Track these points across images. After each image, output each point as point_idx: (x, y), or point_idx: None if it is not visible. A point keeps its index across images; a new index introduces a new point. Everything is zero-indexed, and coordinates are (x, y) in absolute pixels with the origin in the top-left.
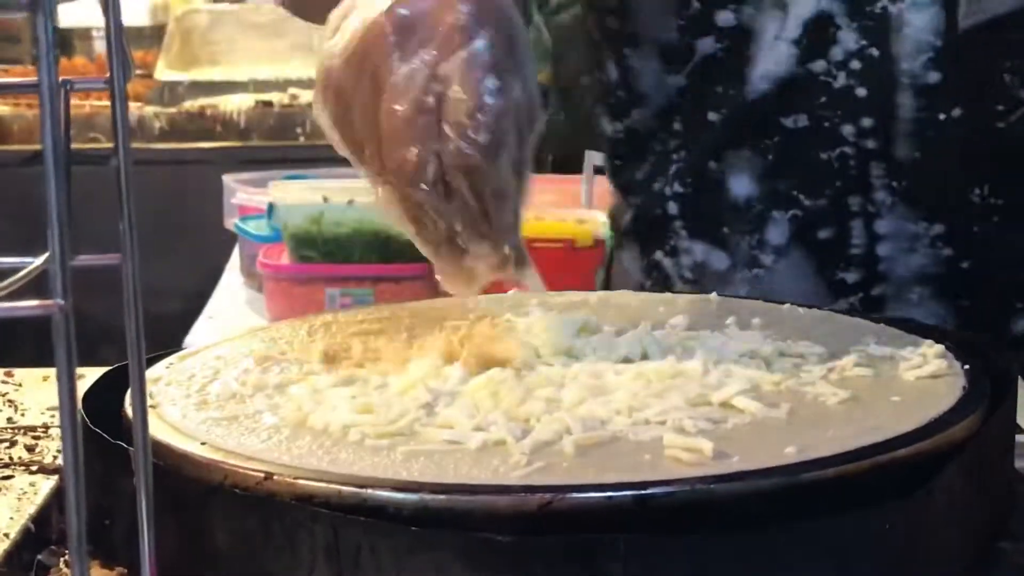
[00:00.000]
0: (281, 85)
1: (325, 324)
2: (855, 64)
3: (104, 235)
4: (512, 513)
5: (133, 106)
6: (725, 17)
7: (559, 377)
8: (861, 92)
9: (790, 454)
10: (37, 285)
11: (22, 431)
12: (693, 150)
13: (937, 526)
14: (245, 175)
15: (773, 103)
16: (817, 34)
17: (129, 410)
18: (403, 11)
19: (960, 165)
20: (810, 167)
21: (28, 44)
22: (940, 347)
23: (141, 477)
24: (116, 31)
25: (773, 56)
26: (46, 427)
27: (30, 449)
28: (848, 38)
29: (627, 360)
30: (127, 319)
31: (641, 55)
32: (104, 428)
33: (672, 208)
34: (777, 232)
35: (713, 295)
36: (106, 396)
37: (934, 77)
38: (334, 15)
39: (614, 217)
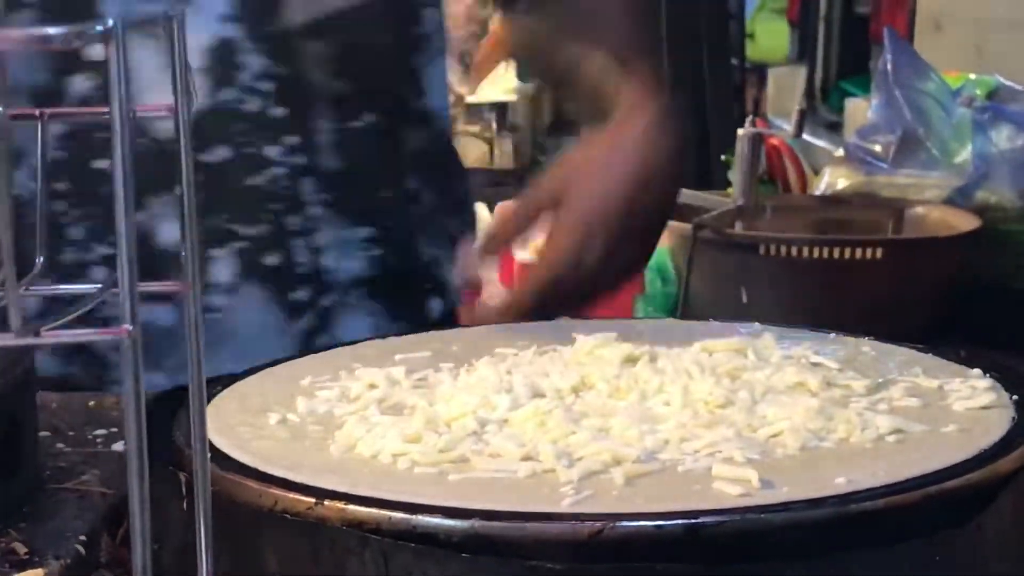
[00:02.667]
0: None
1: (373, 350)
2: (266, 86)
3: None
4: (563, 541)
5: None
6: (96, 50)
7: (606, 407)
8: (278, 112)
9: (840, 484)
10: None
11: (72, 455)
12: (98, 210)
13: (988, 557)
14: None
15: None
16: (222, 62)
17: (179, 435)
18: None
19: (377, 169)
20: (242, 196)
21: None
22: (989, 379)
23: (200, 504)
24: (181, 62)
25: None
26: (95, 452)
27: (79, 474)
28: (254, 62)
29: (674, 389)
30: (189, 347)
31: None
32: (155, 453)
33: (99, 273)
34: (223, 270)
35: (756, 324)
36: (156, 421)
37: (342, 87)
38: None
39: None
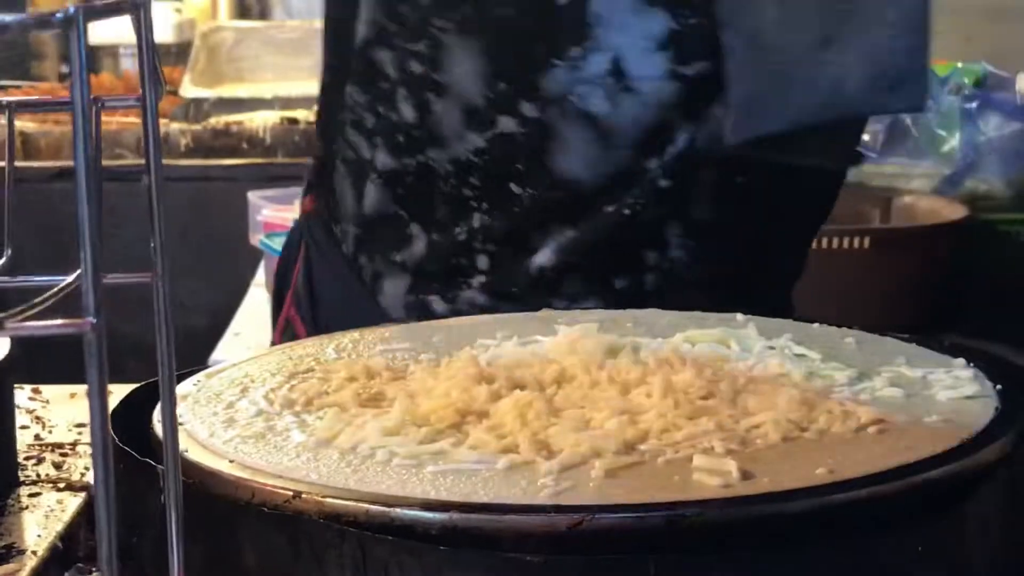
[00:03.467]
0: (306, 102)
1: (352, 341)
2: (671, 161)
3: (129, 250)
4: (541, 533)
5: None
6: (528, 108)
7: (587, 398)
8: (664, 184)
9: (821, 475)
10: (66, 302)
11: (50, 448)
12: (501, 216)
13: (971, 548)
14: (270, 191)
15: (592, 194)
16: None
17: (158, 427)
18: None
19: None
20: (615, 245)
21: (54, 60)
22: (972, 368)
23: (171, 495)
24: (148, 50)
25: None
26: (74, 444)
27: (58, 466)
28: (680, 138)
29: (656, 381)
30: (158, 338)
31: (445, 104)
32: (132, 445)
33: (481, 263)
34: (572, 289)
35: (739, 315)
36: (134, 413)
37: None
38: None
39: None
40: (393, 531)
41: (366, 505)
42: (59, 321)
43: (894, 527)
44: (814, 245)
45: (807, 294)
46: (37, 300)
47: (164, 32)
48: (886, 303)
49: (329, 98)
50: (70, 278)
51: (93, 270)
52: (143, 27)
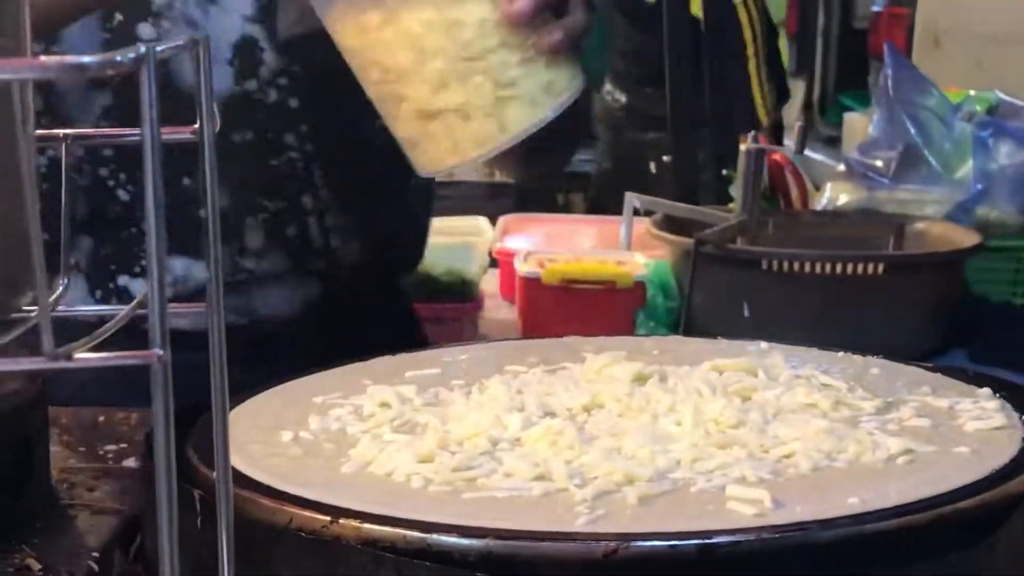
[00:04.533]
0: None
1: (383, 367)
2: (283, 80)
3: None
4: (577, 560)
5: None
6: (146, 30)
7: (617, 426)
8: (293, 103)
9: (852, 505)
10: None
11: (82, 471)
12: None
13: None
14: None
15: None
16: (244, 57)
17: (192, 452)
18: None
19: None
20: (267, 174)
21: None
22: (999, 399)
23: (223, 522)
24: (207, 85)
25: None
26: (106, 468)
27: (91, 489)
28: (271, 59)
29: (685, 409)
30: (212, 366)
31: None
32: None
33: None
34: (254, 236)
35: (763, 343)
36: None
37: None
38: None
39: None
40: (430, 557)
41: (403, 531)
42: (127, 353)
43: (925, 557)
44: (828, 270)
45: (821, 319)
46: (99, 331)
47: None
48: (900, 328)
49: None
50: (126, 309)
51: (160, 303)
52: (203, 64)
